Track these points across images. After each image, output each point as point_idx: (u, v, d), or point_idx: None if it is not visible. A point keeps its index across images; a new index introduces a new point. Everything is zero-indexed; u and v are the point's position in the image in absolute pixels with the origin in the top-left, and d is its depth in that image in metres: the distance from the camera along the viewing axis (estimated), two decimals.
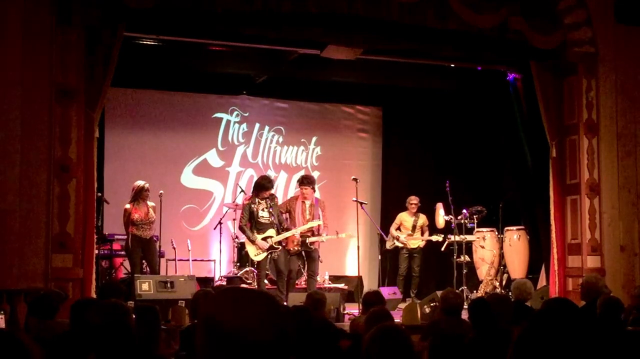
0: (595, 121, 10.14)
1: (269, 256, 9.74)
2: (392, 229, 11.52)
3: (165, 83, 11.94)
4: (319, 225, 10.14)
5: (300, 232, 9.96)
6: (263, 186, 9.80)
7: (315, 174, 13.14)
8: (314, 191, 10.33)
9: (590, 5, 10.05)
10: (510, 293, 10.48)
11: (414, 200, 11.47)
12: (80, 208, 8.13)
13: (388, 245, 11.59)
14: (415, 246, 11.40)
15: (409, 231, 11.45)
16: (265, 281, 10.12)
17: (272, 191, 10.13)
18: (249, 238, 9.74)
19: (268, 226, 9.73)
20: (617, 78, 10.26)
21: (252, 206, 9.75)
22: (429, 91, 12.52)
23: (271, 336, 1.65)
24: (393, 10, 9.10)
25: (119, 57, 8.42)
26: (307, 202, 10.22)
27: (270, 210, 9.75)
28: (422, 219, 11.50)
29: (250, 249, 9.79)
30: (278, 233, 9.74)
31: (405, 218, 11.58)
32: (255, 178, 11.02)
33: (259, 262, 9.80)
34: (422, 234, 11.49)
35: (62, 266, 7.98)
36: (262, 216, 9.74)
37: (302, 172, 12.45)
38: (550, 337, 2.58)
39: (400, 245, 11.43)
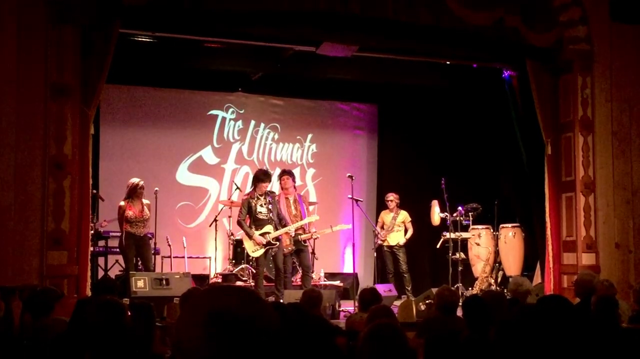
0: (591, 119, 10.16)
1: (267, 253, 9.73)
2: (378, 228, 11.50)
3: (160, 80, 11.92)
4: (309, 222, 10.20)
5: (294, 230, 9.98)
6: (258, 178, 9.83)
7: (311, 171, 13.16)
8: (294, 184, 10.42)
9: (585, 3, 10.08)
10: (505, 290, 10.54)
11: (390, 197, 11.47)
12: (75, 205, 8.13)
13: (374, 244, 11.57)
14: (395, 243, 11.33)
15: (389, 228, 11.41)
16: None
17: (269, 187, 10.15)
18: (246, 233, 9.75)
19: (266, 222, 9.73)
20: (612, 76, 10.28)
21: (251, 201, 9.76)
22: (425, 89, 12.52)
23: (278, 325, 1.69)
24: (388, 7, 9.10)
25: (114, 54, 8.41)
26: (291, 198, 10.29)
27: (269, 206, 9.76)
28: (403, 215, 11.39)
29: (248, 245, 9.80)
30: (276, 229, 9.75)
31: (384, 216, 11.58)
32: (251, 175, 11.03)
33: (257, 258, 9.79)
34: (406, 231, 11.43)
35: (57, 263, 7.98)
36: (261, 212, 9.74)
37: (297, 170, 12.48)
38: (545, 333, 2.59)
39: (380, 242, 11.40)
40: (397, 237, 11.33)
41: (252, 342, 1.64)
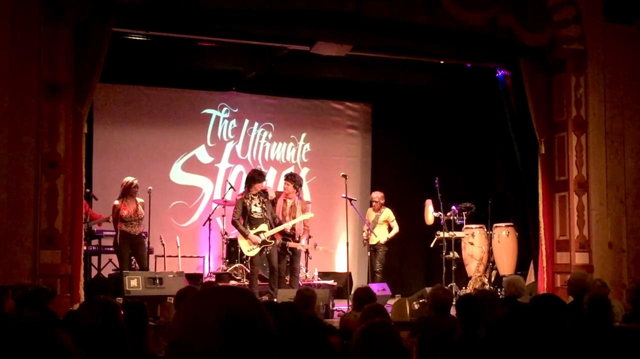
0: (584, 118, 10.18)
1: (262, 252, 9.73)
2: (370, 227, 11.44)
3: (154, 79, 11.90)
4: (304, 229, 10.21)
5: (282, 235, 9.96)
6: (254, 179, 9.82)
7: (305, 171, 13.14)
8: (296, 191, 10.29)
9: (579, 3, 10.10)
10: (499, 290, 10.56)
11: (374, 196, 11.39)
12: (68, 204, 8.11)
13: (366, 244, 11.52)
14: (375, 242, 11.24)
15: (372, 226, 11.32)
16: None
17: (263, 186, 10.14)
18: (242, 233, 9.73)
19: (260, 221, 9.73)
20: (605, 76, 10.30)
21: (245, 201, 9.75)
22: (419, 88, 12.53)
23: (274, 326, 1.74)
24: (383, 7, 9.11)
25: (108, 52, 8.40)
26: (289, 202, 10.23)
27: (263, 206, 9.76)
28: (386, 214, 11.24)
29: (243, 244, 9.79)
30: (270, 228, 9.74)
31: (369, 215, 11.50)
32: (245, 174, 11.01)
33: (252, 258, 9.79)
34: (390, 229, 11.33)
35: (50, 262, 7.97)
36: (255, 211, 9.74)
37: (291, 169, 12.47)
38: (538, 332, 2.59)
39: (364, 241, 11.34)
40: (377, 236, 11.20)
41: (263, 343, 1.68)
